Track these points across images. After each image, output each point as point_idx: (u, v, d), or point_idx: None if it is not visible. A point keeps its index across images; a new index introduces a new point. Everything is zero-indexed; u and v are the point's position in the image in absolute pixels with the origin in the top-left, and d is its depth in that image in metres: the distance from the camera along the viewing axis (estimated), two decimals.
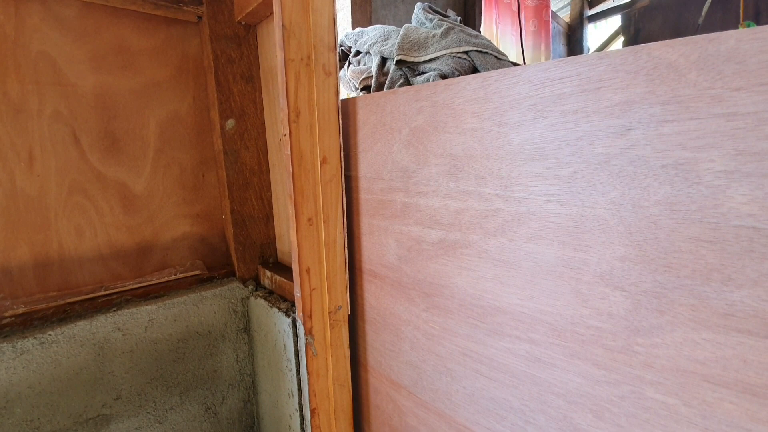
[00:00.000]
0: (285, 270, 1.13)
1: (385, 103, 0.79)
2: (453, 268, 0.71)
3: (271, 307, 1.02)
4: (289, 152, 0.80)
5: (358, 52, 1.12)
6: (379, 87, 1.00)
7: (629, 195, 0.48)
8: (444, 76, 0.85)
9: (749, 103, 0.39)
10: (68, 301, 0.90)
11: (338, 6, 1.50)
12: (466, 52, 0.88)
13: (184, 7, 0.99)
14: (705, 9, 1.57)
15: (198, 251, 1.16)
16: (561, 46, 3.22)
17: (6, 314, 0.83)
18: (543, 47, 2.69)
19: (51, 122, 0.87)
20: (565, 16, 3.32)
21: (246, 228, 1.14)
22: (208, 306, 1.07)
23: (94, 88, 0.92)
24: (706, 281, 0.43)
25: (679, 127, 0.43)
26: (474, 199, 0.65)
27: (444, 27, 0.93)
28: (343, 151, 0.89)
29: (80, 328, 0.88)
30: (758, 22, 2.33)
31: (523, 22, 2.44)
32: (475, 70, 0.88)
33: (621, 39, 2.98)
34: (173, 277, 1.07)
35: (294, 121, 0.79)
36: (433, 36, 0.93)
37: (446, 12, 1.10)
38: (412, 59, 0.92)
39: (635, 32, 2.92)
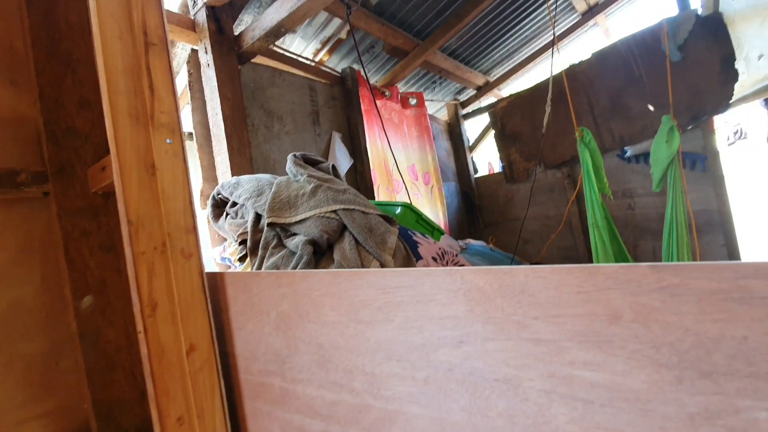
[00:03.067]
0: None
1: (251, 284, 0.76)
2: None
3: None
4: (146, 351, 0.71)
5: (235, 203, 1.11)
6: (255, 244, 0.98)
7: (476, 404, 0.48)
8: (312, 242, 0.86)
9: (547, 332, 0.43)
10: None
11: (216, 151, 1.52)
12: (334, 211, 0.91)
13: (26, 189, 0.90)
14: (545, 120, 1.92)
15: None
16: (445, 142, 3.63)
17: None
18: (428, 147, 3.01)
19: None
20: (444, 116, 3.80)
21: (114, 416, 0.97)
22: None
23: None
24: None
25: (500, 345, 0.46)
26: (346, 393, 0.62)
27: (312, 185, 0.97)
28: (217, 328, 0.82)
29: None
30: (596, 126, 2.87)
31: (406, 130, 2.73)
32: (344, 227, 0.91)
33: (492, 131, 3.47)
34: None
35: (150, 316, 0.72)
36: (303, 194, 0.96)
37: (320, 159, 1.16)
38: (282, 221, 0.92)
39: (502, 126, 3.41)
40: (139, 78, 0.76)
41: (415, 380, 0.54)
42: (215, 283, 0.84)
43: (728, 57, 2.37)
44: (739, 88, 2.37)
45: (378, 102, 2.48)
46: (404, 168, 2.59)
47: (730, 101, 2.38)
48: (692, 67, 2.47)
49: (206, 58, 1.38)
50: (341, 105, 2.23)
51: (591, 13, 3.16)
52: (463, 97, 3.84)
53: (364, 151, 2.17)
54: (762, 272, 0.32)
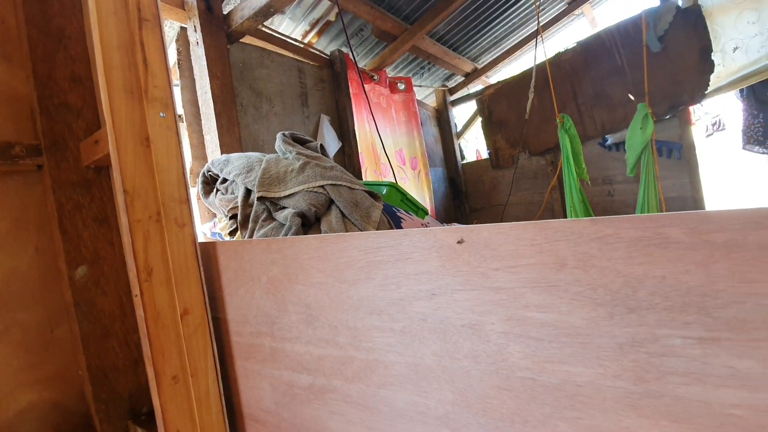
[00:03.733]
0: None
1: (242, 252, 0.81)
2: (325, 413, 0.72)
3: None
4: (143, 313, 0.76)
5: (225, 179, 1.15)
6: (245, 218, 1.02)
7: (445, 349, 0.55)
8: (301, 214, 0.91)
9: (506, 281, 0.49)
10: None
11: (206, 129, 1.54)
12: (322, 186, 0.96)
13: (20, 161, 0.93)
14: (528, 107, 1.97)
15: (50, 420, 0.99)
16: (433, 128, 3.68)
17: None
18: (416, 133, 3.05)
19: None
20: (432, 102, 3.84)
21: (108, 382, 1.02)
22: None
23: None
24: (511, 423, 0.50)
25: (466, 295, 0.52)
26: (332, 347, 0.68)
27: (301, 161, 1.01)
28: (210, 295, 0.87)
29: None
30: (579, 113, 2.94)
31: (394, 115, 2.76)
32: (331, 201, 0.96)
33: (480, 118, 3.52)
34: None
35: (146, 280, 0.76)
36: (291, 170, 1.00)
37: (308, 139, 1.20)
38: (272, 195, 0.97)
39: (488, 113, 3.47)
40: (134, 53, 0.79)
41: (393, 331, 0.60)
42: (208, 252, 0.88)
43: (706, 48, 2.45)
44: (715, 79, 2.46)
45: (366, 86, 2.50)
46: (392, 152, 2.63)
47: (706, 92, 2.48)
48: (672, 57, 2.55)
49: (195, 37, 1.39)
50: (330, 88, 2.25)
51: (577, 2, 3.20)
52: (451, 84, 3.88)
53: (352, 134, 2.20)
54: (677, 221, 0.38)
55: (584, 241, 0.43)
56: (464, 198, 3.82)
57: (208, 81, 1.38)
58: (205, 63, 1.38)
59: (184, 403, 0.80)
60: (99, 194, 1.02)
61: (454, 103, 3.85)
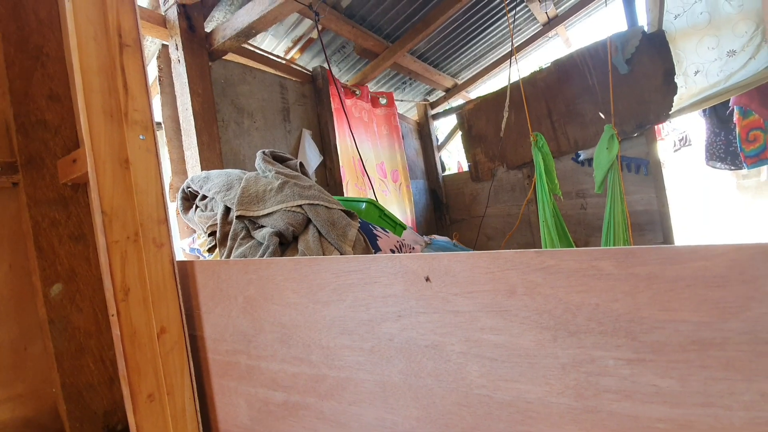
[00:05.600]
0: None
1: (220, 272, 0.83)
2: (299, 429, 0.74)
3: None
4: (119, 332, 0.77)
5: (204, 196, 1.17)
6: (224, 236, 1.04)
7: (410, 367, 0.58)
8: (279, 233, 0.93)
9: (464, 304, 0.53)
10: None
11: (186, 145, 1.55)
12: (299, 205, 0.99)
13: None
14: (503, 125, 2.06)
15: None
16: (414, 141, 3.75)
17: None
18: (397, 146, 3.11)
19: None
20: (414, 116, 3.92)
21: (83, 399, 1.01)
22: None
23: None
24: None
25: (429, 317, 0.56)
26: (305, 365, 0.71)
27: (280, 180, 1.04)
28: (187, 313, 0.88)
29: None
30: (553, 130, 3.05)
31: (376, 129, 2.82)
32: (309, 220, 0.99)
33: (460, 132, 3.62)
34: None
35: (123, 300, 0.78)
36: (270, 189, 1.03)
37: (288, 157, 1.23)
38: (251, 214, 0.99)
39: (468, 128, 3.56)
40: (114, 77, 0.81)
41: (363, 350, 0.63)
42: (186, 271, 0.90)
43: (669, 71, 2.60)
44: (678, 101, 2.61)
45: (348, 101, 2.55)
46: (373, 165, 2.68)
47: (670, 112, 2.62)
48: (638, 79, 2.69)
49: (177, 55, 1.41)
50: (312, 103, 2.29)
51: (550, 24, 3.35)
52: (432, 98, 3.97)
53: (334, 149, 2.24)
54: (607, 255, 0.43)
55: (531, 271, 0.48)
56: (445, 210, 3.89)
57: (189, 98, 1.40)
58: (186, 80, 1.40)
59: (160, 421, 0.81)
60: (76, 211, 1.03)
61: (436, 116, 3.94)
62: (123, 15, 0.83)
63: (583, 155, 2.91)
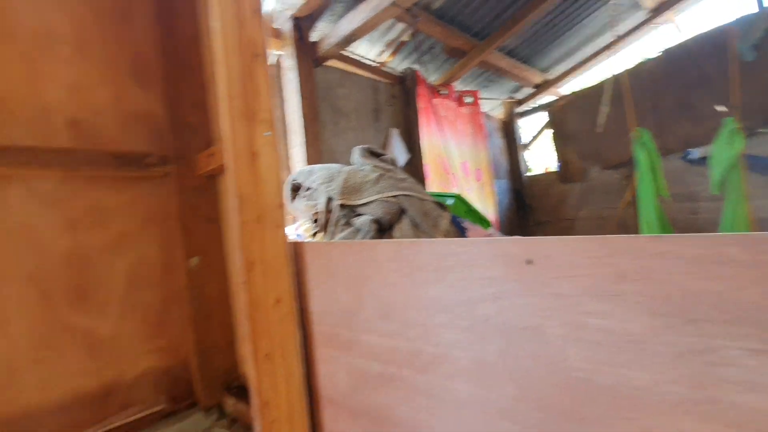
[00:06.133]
0: (247, 395, 1.17)
1: (327, 252, 0.93)
2: (394, 399, 0.80)
3: None
4: (247, 298, 0.91)
5: (308, 188, 1.30)
6: (326, 222, 1.15)
7: (508, 348, 0.61)
8: (377, 221, 1.01)
9: (566, 288, 0.54)
10: None
11: (293, 143, 1.73)
12: (395, 196, 1.06)
13: (154, 168, 1.15)
14: (602, 120, 1.92)
15: (161, 384, 1.19)
16: (499, 139, 3.66)
17: None
18: (481, 145, 3.07)
19: (24, 285, 0.96)
20: (499, 114, 3.82)
21: (209, 357, 1.20)
22: None
23: (66, 248, 1.02)
24: (568, 420, 0.55)
25: (527, 300, 0.58)
26: (402, 340, 0.77)
27: (377, 174, 1.13)
28: (297, 288, 1.00)
29: None
30: (658, 126, 2.77)
31: (461, 128, 2.82)
32: (402, 210, 1.06)
33: (549, 130, 3.44)
34: (136, 416, 1.09)
35: (249, 271, 0.91)
36: (368, 181, 1.12)
37: (382, 153, 1.31)
38: (350, 203, 1.09)
39: (558, 125, 3.37)
40: (246, 82, 0.96)
41: (459, 328, 0.67)
42: (296, 251, 1.02)
43: None
44: None
45: (435, 100, 2.59)
46: (457, 164, 2.69)
47: None
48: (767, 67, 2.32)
49: (288, 63, 1.59)
50: (400, 103, 2.38)
51: (658, 10, 3.03)
52: (519, 95, 3.84)
53: (420, 147, 2.30)
54: (735, 241, 0.42)
55: (646, 256, 0.47)
56: (529, 211, 3.73)
57: (298, 102, 1.56)
58: (296, 86, 1.57)
59: (274, 378, 0.94)
60: (210, 198, 1.22)
61: (522, 114, 3.80)
62: (254, 29, 0.98)
63: (696, 153, 2.59)
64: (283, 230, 0.98)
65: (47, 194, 1.01)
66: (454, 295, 0.67)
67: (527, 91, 3.79)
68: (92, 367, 1.05)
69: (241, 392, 1.20)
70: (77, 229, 1.05)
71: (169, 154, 1.18)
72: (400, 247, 0.76)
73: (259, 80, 0.98)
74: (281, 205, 0.98)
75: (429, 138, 2.40)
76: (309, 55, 1.65)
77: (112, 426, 1.04)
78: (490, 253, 0.62)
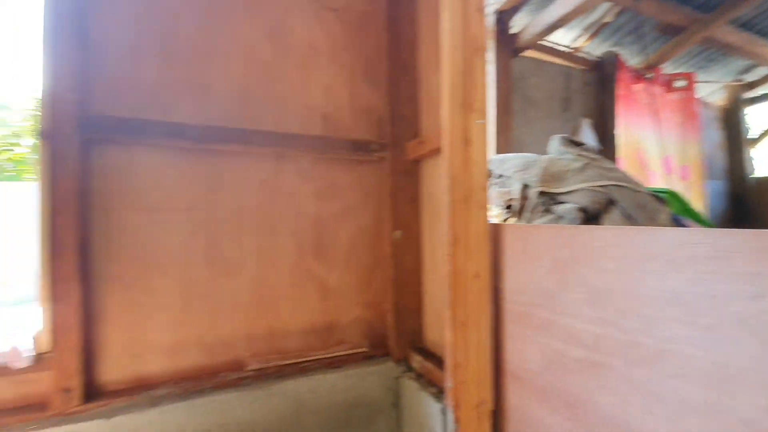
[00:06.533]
0: (431, 356, 1.32)
1: (528, 235, 0.97)
2: (595, 386, 0.80)
3: (421, 390, 1.21)
4: (450, 269, 1.03)
5: (500, 175, 1.36)
6: (521, 208, 1.19)
7: (765, 354, 0.55)
8: (583, 209, 1.00)
9: None
10: (282, 363, 1.24)
11: None
12: (602, 186, 1.03)
13: (375, 154, 1.38)
14: None
15: (364, 332, 1.44)
16: (717, 132, 2.97)
17: (248, 368, 1.20)
18: (692, 137, 2.56)
19: (288, 238, 1.30)
20: (719, 101, 3.09)
21: (402, 317, 1.39)
22: (370, 381, 1.32)
23: (313, 213, 1.34)
24: None
25: None
26: (614, 329, 0.76)
27: (581, 162, 1.10)
28: (493, 266, 1.08)
29: (289, 386, 1.20)
30: None
31: (666, 117, 2.41)
32: (611, 201, 1.01)
33: None
34: (347, 351, 1.36)
35: (454, 245, 1.03)
36: (572, 170, 1.10)
37: (583, 143, 1.27)
38: (552, 190, 1.10)
39: None
40: (467, 75, 1.06)
41: (696, 325, 0.63)
42: (496, 231, 1.09)
43: None
44: None
45: (637, 86, 2.29)
46: (657, 159, 2.32)
47: None
48: None
49: (489, 55, 1.66)
50: (594, 91, 2.19)
51: None
52: (749, 77, 3.03)
53: (614, 138, 2.08)
54: None
55: None
56: (753, 221, 2.96)
57: (495, 93, 1.63)
58: (494, 77, 1.63)
59: (466, 344, 1.04)
60: (413, 181, 1.40)
61: (752, 101, 3.00)
62: (477, 26, 1.07)
63: None
64: (486, 211, 1.06)
65: (305, 171, 1.33)
66: (694, 288, 0.63)
67: (762, 72, 2.96)
68: (322, 307, 1.35)
69: (424, 353, 1.36)
70: (320, 199, 1.35)
71: (386, 141, 1.40)
72: (622, 233, 0.74)
73: (477, 72, 1.07)
74: (485, 188, 1.06)
75: (626, 128, 2.14)
76: (508, 47, 1.68)
77: (332, 355, 1.33)
78: (752, 245, 0.56)
